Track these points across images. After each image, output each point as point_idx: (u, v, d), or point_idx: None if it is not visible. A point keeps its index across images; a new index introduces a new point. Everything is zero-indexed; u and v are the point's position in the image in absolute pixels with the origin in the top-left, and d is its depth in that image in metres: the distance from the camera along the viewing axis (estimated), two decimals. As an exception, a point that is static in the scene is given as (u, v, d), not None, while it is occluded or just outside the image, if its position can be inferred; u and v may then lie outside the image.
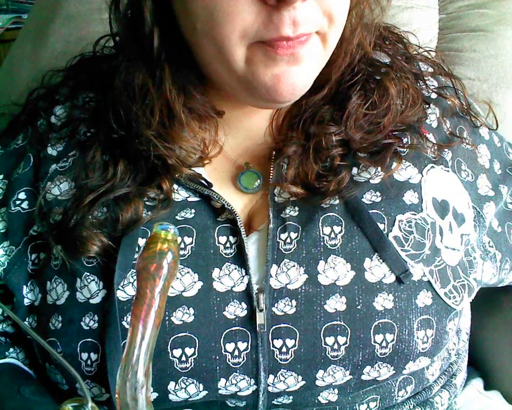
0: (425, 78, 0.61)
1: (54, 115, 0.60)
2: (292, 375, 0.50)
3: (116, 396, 0.30)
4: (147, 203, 0.53)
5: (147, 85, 0.51)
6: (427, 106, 0.60)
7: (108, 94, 0.55)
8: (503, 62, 0.76)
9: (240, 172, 0.57)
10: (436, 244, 0.54)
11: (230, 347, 0.50)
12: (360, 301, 0.50)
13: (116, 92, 0.53)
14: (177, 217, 0.53)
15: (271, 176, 0.54)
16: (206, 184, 0.54)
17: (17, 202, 0.57)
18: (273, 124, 0.57)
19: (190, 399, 0.51)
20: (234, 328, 0.50)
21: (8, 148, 0.61)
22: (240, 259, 0.51)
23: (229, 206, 0.52)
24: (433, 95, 0.61)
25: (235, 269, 0.51)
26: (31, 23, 0.90)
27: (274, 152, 0.55)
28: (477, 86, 0.76)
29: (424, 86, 0.61)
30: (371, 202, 0.53)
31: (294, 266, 0.51)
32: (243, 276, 0.51)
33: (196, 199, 0.54)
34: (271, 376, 0.50)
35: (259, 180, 0.56)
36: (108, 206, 0.53)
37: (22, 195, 0.57)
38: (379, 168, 0.54)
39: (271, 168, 0.54)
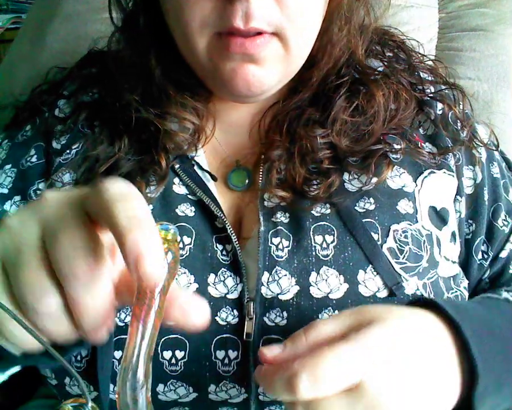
0: (424, 86, 0.60)
1: (58, 108, 0.61)
2: None
3: (116, 396, 0.30)
4: (148, 194, 0.53)
5: (133, 56, 0.54)
6: (424, 109, 0.58)
7: (102, 69, 0.59)
8: (503, 62, 0.76)
9: (231, 169, 0.57)
10: (434, 256, 0.53)
11: (220, 354, 0.49)
12: None
13: (105, 63, 0.57)
14: (177, 210, 0.53)
15: (260, 180, 0.54)
16: (208, 176, 0.54)
17: (38, 192, 0.57)
18: (260, 124, 0.56)
19: (180, 400, 0.51)
20: (224, 335, 0.49)
21: (17, 139, 0.61)
22: (235, 267, 0.51)
23: (218, 213, 0.52)
24: (430, 101, 0.59)
25: (230, 276, 0.51)
26: (30, 22, 0.89)
27: (263, 156, 0.55)
28: (477, 86, 0.75)
29: (421, 93, 0.59)
30: (365, 210, 0.52)
31: (286, 275, 0.50)
32: (237, 284, 0.50)
33: (195, 198, 0.54)
34: None
35: (248, 179, 0.56)
36: None
37: (42, 186, 0.57)
38: (370, 175, 0.53)
39: (260, 173, 0.54)
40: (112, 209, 0.28)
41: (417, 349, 0.38)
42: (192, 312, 0.32)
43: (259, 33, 0.45)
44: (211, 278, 0.51)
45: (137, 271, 0.27)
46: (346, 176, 0.54)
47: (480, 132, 0.61)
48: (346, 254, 0.50)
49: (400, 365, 0.37)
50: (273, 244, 0.51)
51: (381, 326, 0.38)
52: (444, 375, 0.39)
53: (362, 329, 0.37)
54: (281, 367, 0.36)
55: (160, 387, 0.50)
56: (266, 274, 0.50)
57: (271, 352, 0.38)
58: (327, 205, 0.52)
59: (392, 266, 0.50)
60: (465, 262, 0.58)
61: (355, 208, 0.52)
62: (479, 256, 0.59)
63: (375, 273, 0.50)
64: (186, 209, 0.53)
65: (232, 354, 0.49)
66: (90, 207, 0.31)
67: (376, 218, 0.52)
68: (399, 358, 0.37)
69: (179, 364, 0.49)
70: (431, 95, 0.59)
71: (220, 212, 0.52)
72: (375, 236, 0.51)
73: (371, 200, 0.52)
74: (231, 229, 0.51)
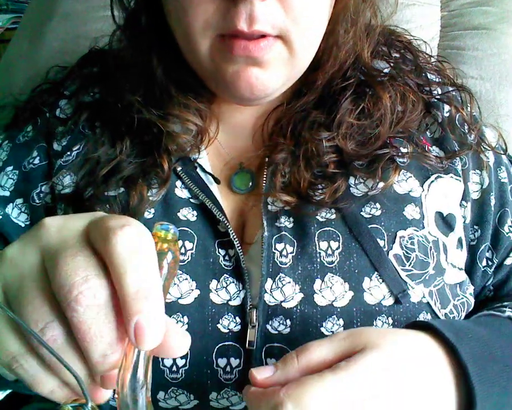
0: (431, 88, 0.58)
1: (59, 109, 0.60)
2: None
3: (116, 396, 0.30)
4: (150, 197, 0.52)
5: (134, 55, 0.54)
6: (431, 112, 0.57)
7: (103, 68, 0.58)
8: (506, 61, 0.75)
9: (234, 172, 0.56)
10: (441, 263, 0.52)
11: (222, 362, 0.48)
12: (359, 324, 0.48)
13: (106, 62, 0.56)
14: (179, 214, 0.52)
15: (264, 184, 0.53)
16: (211, 179, 0.54)
17: (41, 195, 0.57)
18: (264, 127, 0.55)
19: (181, 407, 0.50)
20: (226, 343, 0.49)
21: (18, 140, 0.60)
22: (238, 272, 0.50)
23: (221, 217, 0.51)
24: (437, 103, 0.58)
25: (233, 282, 0.50)
26: (28, 21, 0.89)
27: (267, 159, 0.54)
28: (480, 85, 0.75)
29: (428, 94, 0.58)
30: (371, 215, 0.51)
31: (289, 282, 0.49)
32: (240, 290, 0.50)
33: (197, 202, 0.53)
34: None
35: (251, 182, 0.55)
36: (117, 191, 0.53)
37: (45, 188, 0.57)
38: (377, 180, 0.52)
39: (264, 176, 0.53)
40: (121, 273, 0.29)
41: (410, 376, 0.38)
42: (169, 345, 0.31)
43: (263, 35, 0.45)
44: (214, 284, 0.50)
45: (135, 336, 0.28)
46: (352, 180, 0.53)
47: (488, 136, 0.60)
48: (352, 260, 0.49)
49: (390, 395, 0.36)
50: (277, 250, 0.50)
51: (373, 353, 0.37)
52: (438, 401, 0.39)
53: (352, 356, 0.37)
54: (269, 392, 0.36)
55: (161, 394, 0.49)
56: (269, 281, 0.49)
57: (262, 374, 0.38)
58: (333, 211, 0.51)
59: (398, 274, 0.49)
60: (469, 269, 0.58)
61: (361, 213, 0.51)
62: (484, 263, 0.58)
63: (380, 281, 0.49)
64: (188, 214, 0.52)
65: (234, 362, 0.48)
66: (95, 245, 0.31)
67: (383, 224, 0.51)
68: (390, 386, 0.37)
69: (180, 371, 0.48)
70: (438, 97, 0.58)
71: (223, 216, 0.51)
72: (381, 242, 0.50)
73: (377, 205, 0.51)
74: (233, 234, 0.51)
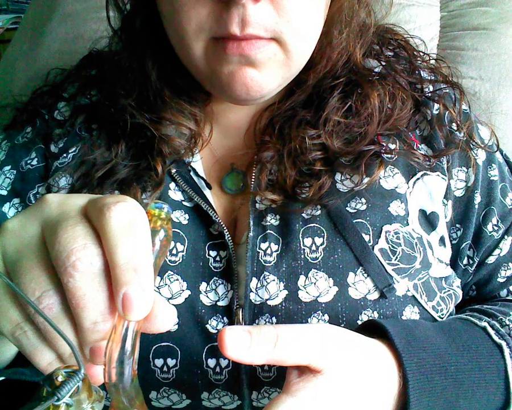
0: (423, 85, 0.58)
1: (57, 111, 0.60)
2: (276, 391, 0.49)
3: (103, 366, 0.30)
4: (144, 200, 0.53)
5: (129, 58, 0.54)
6: (421, 109, 0.57)
7: (101, 71, 0.59)
8: (506, 61, 0.75)
9: (226, 173, 0.56)
10: (428, 257, 0.52)
11: (212, 362, 0.49)
12: (344, 319, 0.48)
13: (104, 69, 0.57)
14: (172, 216, 0.52)
15: (252, 183, 0.53)
16: (204, 184, 0.54)
17: (38, 196, 0.57)
18: (256, 126, 0.55)
19: (173, 406, 0.50)
20: (215, 344, 0.49)
21: (17, 141, 0.60)
22: (228, 274, 0.50)
23: (217, 218, 0.51)
24: (427, 101, 0.58)
25: (222, 283, 0.50)
26: (28, 22, 0.89)
27: (256, 157, 0.54)
28: (479, 85, 0.75)
29: (419, 92, 0.57)
30: (356, 210, 0.51)
31: (274, 280, 0.49)
32: (228, 291, 0.50)
33: (190, 204, 0.54)
34: (255, 392, 0.49)
35: (242, 183, 0.55)
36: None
37: (42, 190, 0.57)
38: (362, 175, 0.52)
39: (252, 175, 0.53)
40: (112, 245, 0.29)
41: (355, 400, 0.38)
42: (156, 319, 0.31)
43: (257, 37, 0.44)
44: (203, 286, 0.50)
45: (122, 306, 0.29)
46: (338, 176, 0.53)
47: (482, 134, 0.59)
48: (336, 256, 0.49)
49: None
50: (261, 249, 0.50)
51: (324, 381, 0.37)
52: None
53: (306, 379, 0.37)
54: None
55: (153, 394, 0.49)
56: (254, 280, 0.49)
57: (233, 344, 0.36)
58: (318, 207, 0.51)
59: (384, 268, 0.49)
60: (451, 266, 0.57)
61: (346, 208, 0.51)
62: (465, 261, 0.58)
63: (365, 275, 0.49)
64: (180, 217, 0.53)
65: (223, 362, 0.49)
66: (92, 220, 0.31)
67: (368, 218, 0.50)
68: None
69: (171, 371, 0.48)
70: (428, 94, 0.58)
71: (219, 218, 0.51)
72: (366, 237, 0.50)
73: (363, 200, 0.51)
74: (229, 236, 0.51)
